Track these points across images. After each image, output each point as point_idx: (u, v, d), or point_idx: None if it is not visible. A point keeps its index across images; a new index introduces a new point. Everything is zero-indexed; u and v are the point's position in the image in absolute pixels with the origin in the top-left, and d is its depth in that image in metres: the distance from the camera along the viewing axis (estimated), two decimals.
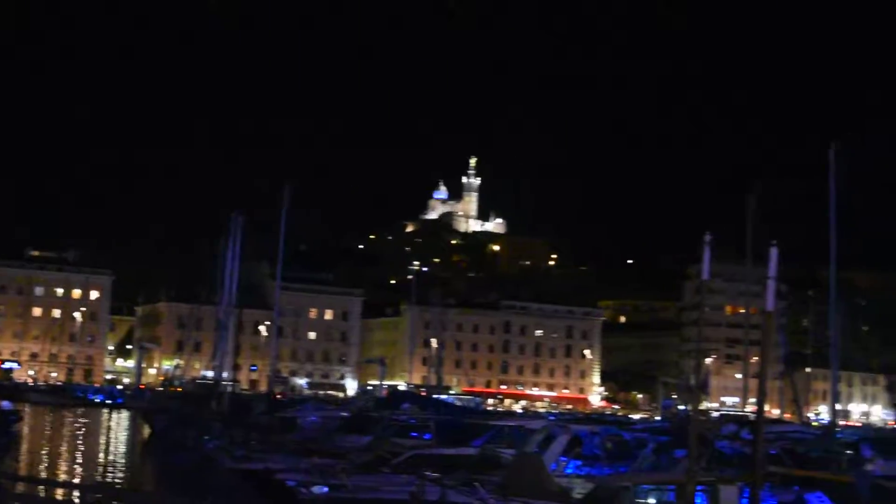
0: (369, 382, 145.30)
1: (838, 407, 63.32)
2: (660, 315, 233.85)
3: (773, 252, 21.53)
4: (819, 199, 54.69)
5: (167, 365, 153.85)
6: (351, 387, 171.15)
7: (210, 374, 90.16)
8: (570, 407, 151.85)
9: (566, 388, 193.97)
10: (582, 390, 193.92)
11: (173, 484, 41.17)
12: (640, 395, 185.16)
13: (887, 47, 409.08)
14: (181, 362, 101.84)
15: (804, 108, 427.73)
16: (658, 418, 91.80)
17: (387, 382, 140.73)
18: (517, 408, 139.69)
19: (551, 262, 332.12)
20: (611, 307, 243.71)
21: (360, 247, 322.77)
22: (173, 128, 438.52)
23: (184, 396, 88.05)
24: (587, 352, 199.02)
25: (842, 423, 79.39)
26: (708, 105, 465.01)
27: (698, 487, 23.02)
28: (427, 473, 26.41)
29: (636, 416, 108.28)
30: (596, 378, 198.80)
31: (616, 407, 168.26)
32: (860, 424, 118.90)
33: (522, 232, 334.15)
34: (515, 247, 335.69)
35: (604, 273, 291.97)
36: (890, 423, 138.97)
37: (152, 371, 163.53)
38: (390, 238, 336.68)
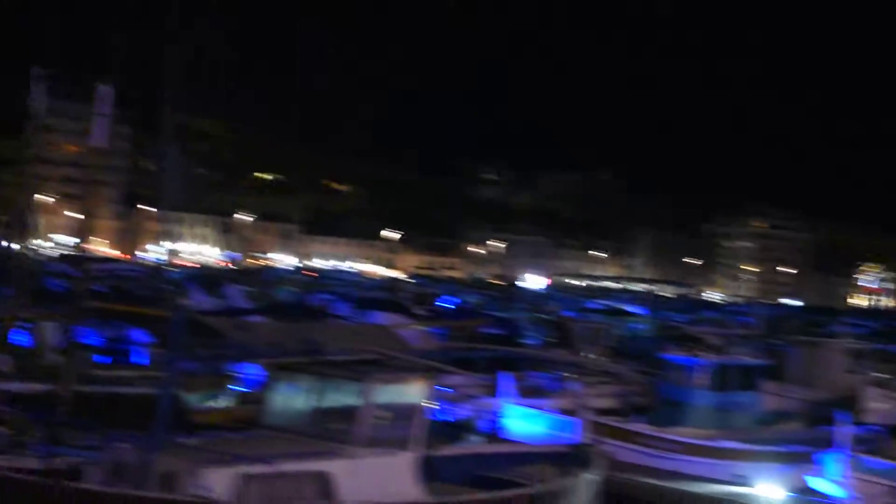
0: None
1: (170, 246, 64.98)
2: (2, 153, 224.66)
3: (104, 90, 21.69)
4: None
5: None
6: None
7: None
8: None
9: None
10: None
11: None
12: None
13: None
14: None
15: None
16: None
17: None
18: None
19: None
20: None
21: None
22: None
23: None
24: None
25: (174, 262, 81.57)
26: None
27: (18, 324, 22.95)
28: None
29: None
30: None
31: None
32: (193, 265, 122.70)
33: None
34: None
35: None
36: (218, 262, 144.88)
37: None
38: None
